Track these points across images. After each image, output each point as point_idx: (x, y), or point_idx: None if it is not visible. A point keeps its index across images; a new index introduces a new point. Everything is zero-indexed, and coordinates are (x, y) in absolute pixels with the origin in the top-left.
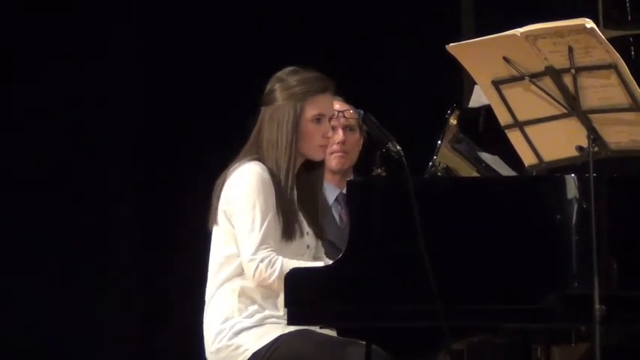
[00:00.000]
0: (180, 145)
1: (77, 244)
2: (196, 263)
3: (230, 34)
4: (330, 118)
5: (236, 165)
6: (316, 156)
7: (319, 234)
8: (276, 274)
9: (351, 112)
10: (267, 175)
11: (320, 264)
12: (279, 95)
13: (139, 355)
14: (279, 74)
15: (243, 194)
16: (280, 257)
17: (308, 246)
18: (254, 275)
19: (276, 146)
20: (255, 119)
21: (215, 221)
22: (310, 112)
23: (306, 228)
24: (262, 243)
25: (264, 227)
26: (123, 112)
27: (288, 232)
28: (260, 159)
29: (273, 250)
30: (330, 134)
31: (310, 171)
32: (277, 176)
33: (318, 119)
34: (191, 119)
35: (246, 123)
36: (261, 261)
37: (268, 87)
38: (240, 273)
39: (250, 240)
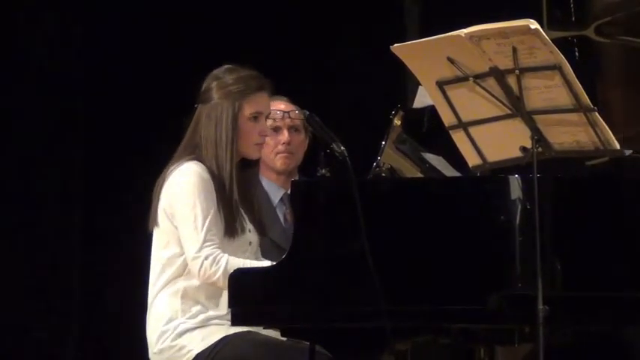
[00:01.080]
0: (121, 146)
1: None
2: (137, 264)
3: (173, 36)
4: (267, 117)
5: (174, 165)
6: (253, 154)
7: (261, 231)
8: (220, 271)
9: (296, 112)
10: (206, 174)
11: (265, 264)
12: (215, 93)
13: (82, 356)
14: (216, 72)
15: (183, 194)
16: (225, 255)
17: (250, 242)
18: (199, 273)
19: (215, 144)
20: (190, 117)
21: (155, 223)
22: (247, 110)
23: (248, 225)
24: (206, 241)
25: (206, 225)
26: (63, 114)
27: (231, 229)
28: (198, 158)
29: (217, 248)
30: (266, 132)
31: (246, 169)
32: (217, 174)
33: (255, 117)
34: (131, 124)
35: (181, 123)
36: (206, 258)
37: (205, 85)
38: (183, 274)
39: (194, 238)
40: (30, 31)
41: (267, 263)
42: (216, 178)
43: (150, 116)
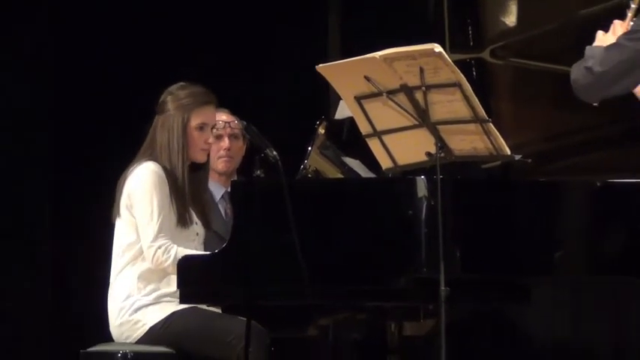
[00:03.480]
0: (88, 147)
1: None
2: (101, 249)
3: (133, 53)
4: (212, 127)
5: (135, 165)
6: (199, 158)
7: (206, 224)
8: (170, 259)
9: (235, 122)
10: (161, 173)
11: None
12: (169, 106)
13: (52, 330)
14: (171, 88)
15: (141, 190)
16: (175, 245)
17: (197, 233)
18: (152, 259)
19: (169, 148)
20: (149, 125)
21: (118, 214)
22: (195, 121)
23: (195, 218)
24: (159, 232)
25: (160, 219)
26: (32, 118)
27: (182, 221)
28: (155, 159)
29: (168, 239)
30: (210, 140)
31: (196, 171)
32: (171, 174)
33: (201, 127)
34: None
35: (143, 129)
36: (159, 248)
37: (161, 98)
38: (139, 258)
39: (149, 230)
40: None
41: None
42: (170, 177)
43: (113, 122)
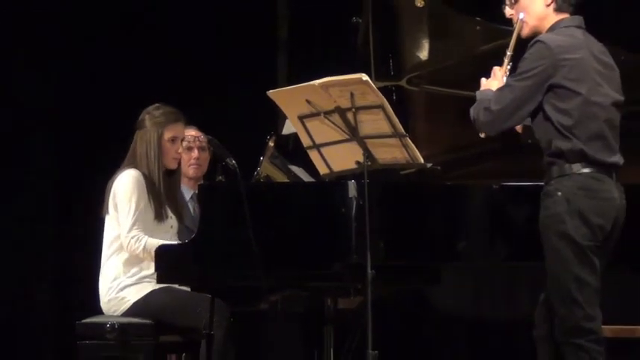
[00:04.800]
0: (88, 159)
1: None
2: (96, 239)
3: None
4: (182, 141)
5: (120, 171)
6: (171, 166)
7: (179, 218)
8: (141, 247)
9: (202, 137)
10: (141, 178)
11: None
12: (147, 123)
13: (52, 305)
14: (148, 108)
15: (123, 191)
16: (145, 236)
17: (172, 226)
18: (127, 247)
19: (147, 158)
20: (132, 139)
21: (107, 211)
22: (167, 135)
23: (170, 214)
24: (133, 225)
25: (136, 214)
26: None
27: (159, 216)
28: (136, 166)
29: (141, 231)
30: (180, 151)
31: (170, 176)
32: (149, 179)
33: (172, 140)
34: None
35: (127, 143)
36: (132, 237)
37: (140, 117)
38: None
39: (126, 223)
40: None
41: (181, 242)
42: (148, 181)
43: (106, 136)
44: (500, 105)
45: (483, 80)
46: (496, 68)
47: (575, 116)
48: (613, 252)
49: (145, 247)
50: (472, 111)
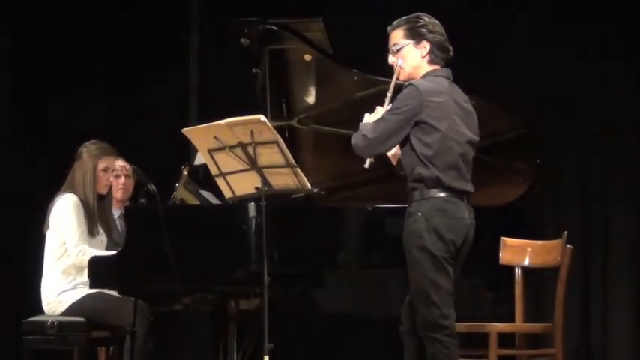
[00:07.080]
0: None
1: None
2: (39, 251)
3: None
4: (113, 170)
5: (60, 195)
6: (103, 191)
7: (109, 235)
8: (87, 258)
9: (128, 167)
10: (78, 202)
11: (110, 253)
12: (84, 155)
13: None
14: (86, 143)
15: (65, 214)
16: (90, 249)
17: (102, 241)
18: (75, 258)
19: (83, 185)
20: (70, 168)
21: (48, 227)
22: (101, 165)
23: (101, 231)
24: (78, 240)
25: (79, 232)
26: None
27: (91, 232)
28: (74, 192)
29: (85, 245)
30: (111, 179)
31: (102, 199)
32: (85, 202)
33: (105, 170)
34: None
35: (66, 171)
36: (80, 251)
37: (79, 150)
38: (62, 257)
39: (72, 239)
40: None
41: (111, 254)
42: (84, 204)
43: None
44: (375, 134)
45: (367, 115)
46: (378, 107)
47: (434, 148)
48: (465, 262)
49: (88, 257)
50: (353, 138)
